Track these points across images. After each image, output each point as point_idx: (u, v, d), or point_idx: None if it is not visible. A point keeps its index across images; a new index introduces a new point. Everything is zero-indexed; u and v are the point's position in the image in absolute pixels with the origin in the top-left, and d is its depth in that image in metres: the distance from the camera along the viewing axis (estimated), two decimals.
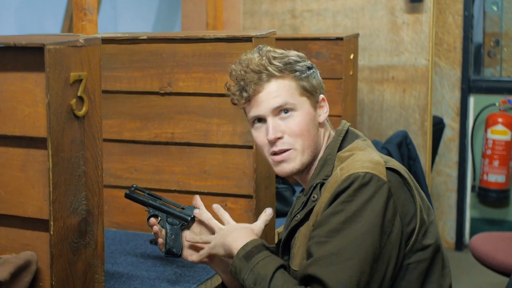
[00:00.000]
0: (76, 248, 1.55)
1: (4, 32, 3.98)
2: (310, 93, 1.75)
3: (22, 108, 1.49)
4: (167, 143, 2.41)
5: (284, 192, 2.78)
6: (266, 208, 1.83)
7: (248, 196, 2.31)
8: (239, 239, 1.69)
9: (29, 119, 1.48)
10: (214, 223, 1.82)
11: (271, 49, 1.76)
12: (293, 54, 1.76)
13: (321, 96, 1.78)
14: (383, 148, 3.46)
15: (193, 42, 2.32)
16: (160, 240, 1.87)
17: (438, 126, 4.86)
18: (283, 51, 1.77)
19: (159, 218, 1.91)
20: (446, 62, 5.09)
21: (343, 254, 1.54)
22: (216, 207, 1.85)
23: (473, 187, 5.10)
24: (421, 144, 4.17)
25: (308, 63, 1.78)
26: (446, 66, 5.09)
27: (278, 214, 2.57)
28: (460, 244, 5.13)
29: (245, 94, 1.73)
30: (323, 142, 1.79)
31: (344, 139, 1.77)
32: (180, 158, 2.39)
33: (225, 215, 1.84)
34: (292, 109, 1.72)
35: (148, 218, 1.92)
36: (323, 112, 1.78)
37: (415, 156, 3.51)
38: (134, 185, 1.99)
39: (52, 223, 1.48)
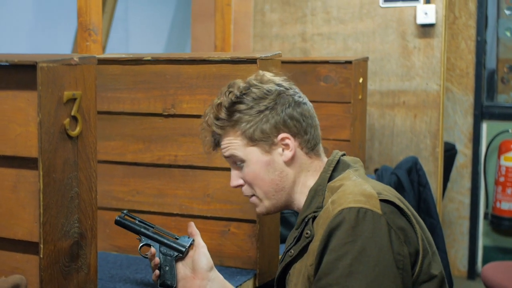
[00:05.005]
0: (68, 272, 1.50)
1: None
2: (260, 140, 1.71)
3: (14, 127, 1.45)
4: (170, 166, 2.36)
5: (289, 218, 2.72)
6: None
7: (252, 221, 2.26)
8: None
9: (21, 138, 1.44)
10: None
11: (234, 88, 1.75)
12: (250, 97, 1.72)
13: (281, 135, 1.71)
14: (393, 174, 3.41)
15: (197, 63, 2.28)
16: (157, 272, 1.83)
17: (450, 152, 4.80)
18: (253, 88, 1.73)
19: (152, 247, 1.87)
20: (458, 88, 5.03)
21: None
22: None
23: (485, 215, 5.02)
24: (432, 171, 4.10)
25: (266, 102, 1.71)
26: (459, 91, 5.03)
27: (283, 239, 2.51)
28: (472, 273, 5.04)
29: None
30: (300, 177, 1.74)
31: (334, 170, 1.71)
32: (183, 181, 2.34)
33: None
34: (241, 161, 1.74)
35: (140, 247, 1.88)
36: (289, 150, 1.71)
37: (425, 182, 3.45)
38: (124, 211, 1.93)
39: (42, 246, 1.43)
